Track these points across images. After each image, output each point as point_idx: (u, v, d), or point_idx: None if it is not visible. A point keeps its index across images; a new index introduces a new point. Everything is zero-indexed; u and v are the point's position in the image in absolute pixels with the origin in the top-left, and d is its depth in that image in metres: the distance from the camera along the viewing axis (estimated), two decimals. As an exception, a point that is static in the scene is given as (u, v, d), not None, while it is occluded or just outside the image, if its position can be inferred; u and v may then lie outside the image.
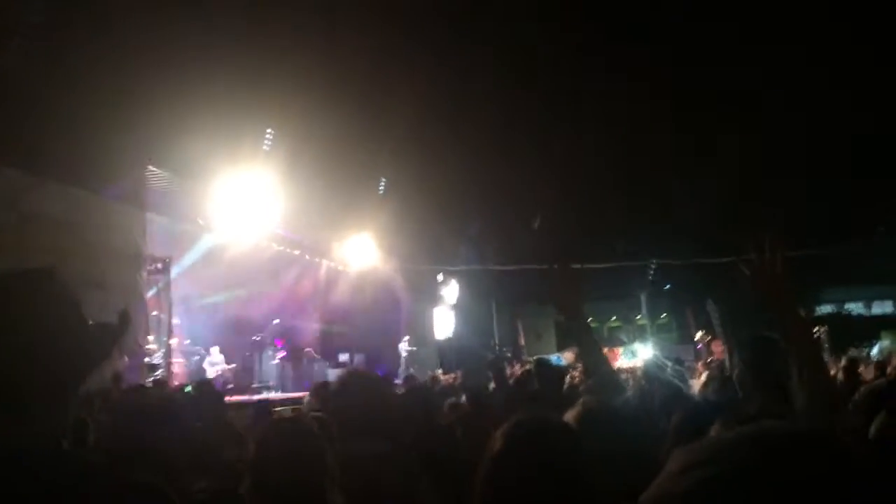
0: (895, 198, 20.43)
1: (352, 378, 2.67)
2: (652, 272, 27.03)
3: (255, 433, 2.32)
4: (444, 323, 26.24)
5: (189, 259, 14.22)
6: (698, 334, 18.99)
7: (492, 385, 6.36)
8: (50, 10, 8.19)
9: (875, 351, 18.51)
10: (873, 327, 27.37)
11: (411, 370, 17.17)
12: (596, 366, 2.57)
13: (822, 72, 15.58)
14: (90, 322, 1.32)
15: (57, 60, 8.49)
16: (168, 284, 13.58)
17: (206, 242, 14.32)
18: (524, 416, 1.31)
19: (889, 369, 8.35)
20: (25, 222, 9.57)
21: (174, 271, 13.69)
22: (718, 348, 15.55)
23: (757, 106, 17.47)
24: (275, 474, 2.07)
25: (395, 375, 16.56)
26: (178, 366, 14.00)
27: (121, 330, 1.40)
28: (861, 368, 8.33)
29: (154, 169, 12.57)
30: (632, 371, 12.53)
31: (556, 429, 1.31)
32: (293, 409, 9.28)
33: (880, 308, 33.49)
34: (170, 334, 13.70)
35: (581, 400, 1.81)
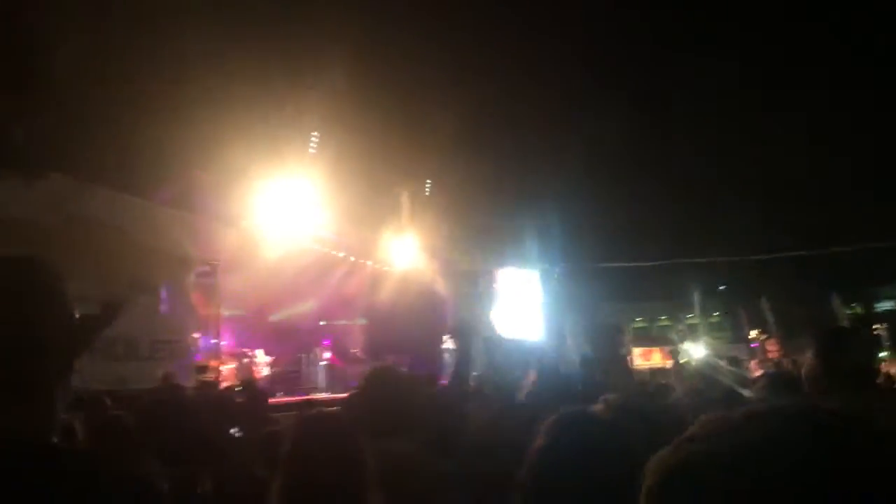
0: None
1: (375, 376, 2.58)
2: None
3: (291, 431, 2.24)
4: (495, 322, 26.09)
5: (235, 261, 14.35)
6: (752, 333, 18.51)
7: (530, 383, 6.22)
8: (96, 16, 8.32)
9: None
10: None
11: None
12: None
13: (867, 70, 15.09)
14: (74, 313, 1.24)
15: (102, 64, 8.62)
16: (216, 287, 13.73)
17: (252, 245, 14.44)
18: (566, 411, 1.27)
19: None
20: (72, 226, 9.75)
21: (221, 274, 13.84)
22: (773, 347, 15.13)
23: (803, 104, 17.01)
24: (311, 473, 1.98)
25: (441, 375, 16.46)
26: (227, 367, 14.15)
27: (104, 321, 1.32)
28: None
29: (201, 173, 12.73)
30: (681, 371, 12.22)
31: (597, 422, 1.26)
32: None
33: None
34: (218, 336, 13.87)
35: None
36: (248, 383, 8.71)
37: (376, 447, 2.17)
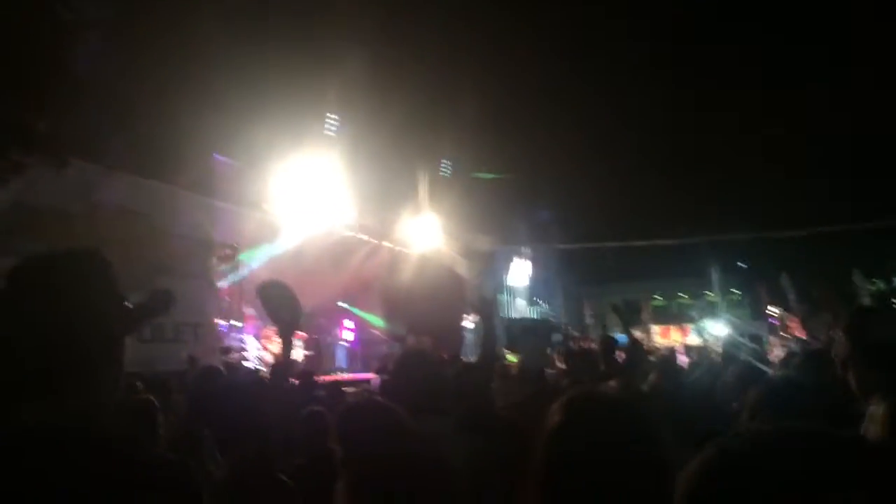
0: None
1: (408, 358, 2.65)
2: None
3: (338, 412, 2.31)
4: (512, 303, 26.19)
5: (255, 244, 14.47)
6: (773, 310, 18.42)
7: (557, 366, 6.28)
8: (117, 5, 8.41)
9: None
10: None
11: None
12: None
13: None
14: (125, 301, 1.32)
15: (124, 54, 8.72)
16: (237, 269, 13.87)
17: (271, 227, 14.55)
18: (580, 390, 1.29)
19: None
20: (96, 211, 9.91)
21: (241, 257, 13.98)
22: (794, 324, 15.06)
23: (826, 79, 16.78)
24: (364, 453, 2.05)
25: (462, 354, 16.57)
26: (252, 348, 14.31)
27: (153, 309, 1.40)
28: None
29: (220, 157, 12.84)
30: (701, 348, 12.24)
31: (614, 399, 1.28)
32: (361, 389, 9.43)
33: None
34: (242, 319, 14.01)
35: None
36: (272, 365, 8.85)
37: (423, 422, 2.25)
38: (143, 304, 1.42)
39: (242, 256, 14.09)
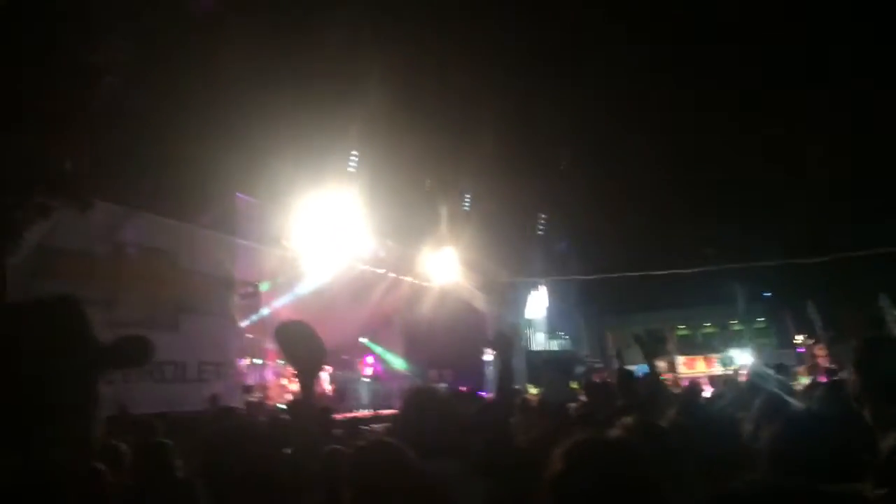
0: None
1: (413, 398, 2.58)
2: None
3: (348, 457, 2.28)
4: (533, 334, 26.03)
5: (277, 281, 14.56)
6: (799, 338, 18.12)
7: (580, 398, 6.20)
8: (140, 48, 8.60)
9: None
10: None
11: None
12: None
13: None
14: (100, 345, 1.31)
15: (147, 96, 8.90)
16: (258, 307, 13.94)
17: (293, 264, 14.64)
18: (583, 436, 1.29)
19: None
20: (119, 252, 10.04)
21: (263, 293, 14.06)
22: (821, 353, 14.82)
23: (849, 105, 16.68)
24: (372, 496, 2.03)
25: (483, 389, 16.48)
26: (274, 386, 14.33)
27: (129, 358, 1.37)
28: None
29: (242, 196, 12.98)
30: (728, 379, 12.04)
31: (615, 446, 1.27)
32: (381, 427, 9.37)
33: None
34: (264, 356, 14.06)
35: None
36: (294, 403, 8.82)
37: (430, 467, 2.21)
38: (119, 349, 1.38)
39: (264, 291, 14.17)
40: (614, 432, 1.26)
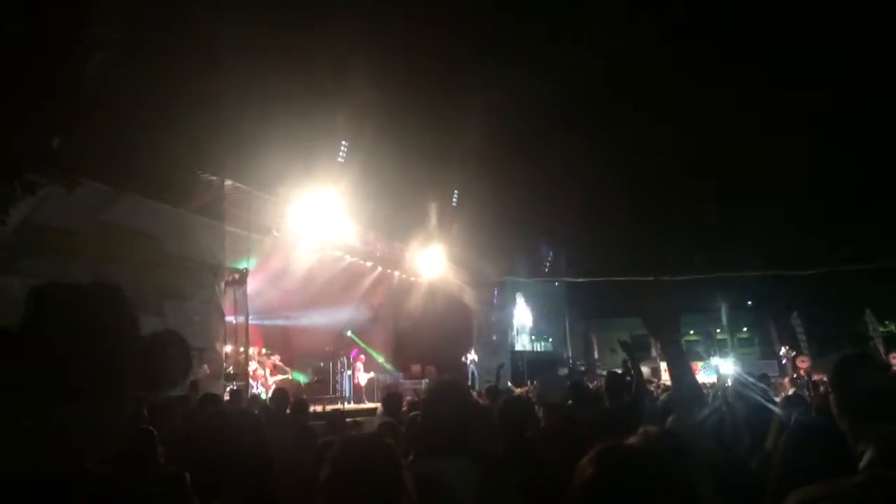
0: None
1: (440, 388, 2.49)
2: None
3: (329, 451, 2.24)
4: (517, 335, 26.03)
5: (265, 270, 14.46)
6: (782, 349, 18.22)
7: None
8: (130, 29, 8.50)
9: None
10: None
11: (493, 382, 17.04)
12: (681, 378, 2.38)
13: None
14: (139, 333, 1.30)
15: (137, 77, 8.80)
16: (245, 295, 13.82)
17: (281, 253, 14.55)
18: (612, 443, 1.26)
19: None
20: (105, 232, 9.92)
21: (250, 282, 13.94)
22: (804, 364, 14.89)
23: (843, 116, 16.78)
24: (350, 493, 1.98)
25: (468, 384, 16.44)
26: (256, 375, 14.23)
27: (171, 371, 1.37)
28: None
29: (232, 182, 12.89)
30: (712, 387, 12.07)
31: (647, 454, 1.25)
32: (366, 420, 9.32)
33: None
34: (247, 344, 13.94)
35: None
36: (278, 391, 8.74)
37: (440, 466, 2.17)
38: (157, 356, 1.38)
39: (249, 279, 14.06)
40: (636, 439, 1.24)
